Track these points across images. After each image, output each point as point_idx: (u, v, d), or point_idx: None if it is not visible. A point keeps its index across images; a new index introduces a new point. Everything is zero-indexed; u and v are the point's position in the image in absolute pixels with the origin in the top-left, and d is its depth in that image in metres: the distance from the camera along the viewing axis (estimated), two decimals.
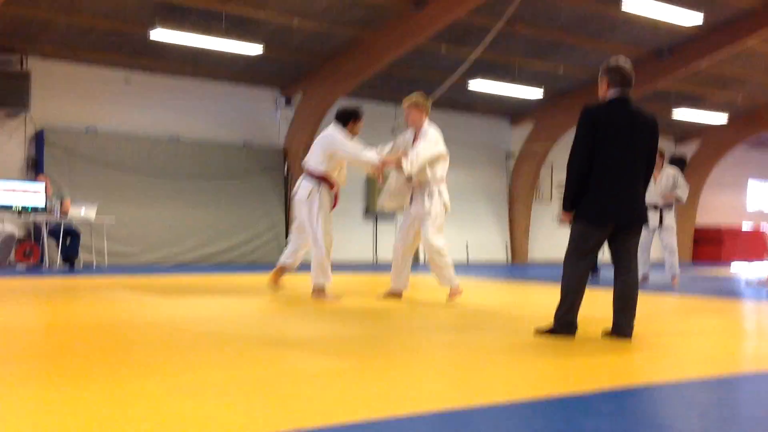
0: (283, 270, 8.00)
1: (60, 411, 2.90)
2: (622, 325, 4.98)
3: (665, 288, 10.10)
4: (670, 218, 10.68)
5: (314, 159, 7.25)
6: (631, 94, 5.05)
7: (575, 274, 5.04)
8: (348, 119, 7.33)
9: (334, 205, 7.40)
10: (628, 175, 4.97)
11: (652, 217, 10.60)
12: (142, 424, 2.70)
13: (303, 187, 7.27)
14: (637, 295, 5.06)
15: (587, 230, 5.01)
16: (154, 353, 4.28)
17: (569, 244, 5.10)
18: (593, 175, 4.93)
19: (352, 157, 7.19)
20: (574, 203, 5.03)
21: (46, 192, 12.35)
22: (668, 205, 10.66)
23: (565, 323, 5.03)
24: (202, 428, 2.65)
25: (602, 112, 4.98)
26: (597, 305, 6.52)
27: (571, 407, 3.08)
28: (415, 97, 7.44)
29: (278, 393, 3.26)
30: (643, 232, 10.71)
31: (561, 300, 5.05)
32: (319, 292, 7.28)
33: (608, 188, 4.93)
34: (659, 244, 10.85)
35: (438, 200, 7.24)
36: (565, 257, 5.12)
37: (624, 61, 5.06)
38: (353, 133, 7.34)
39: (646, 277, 10.63)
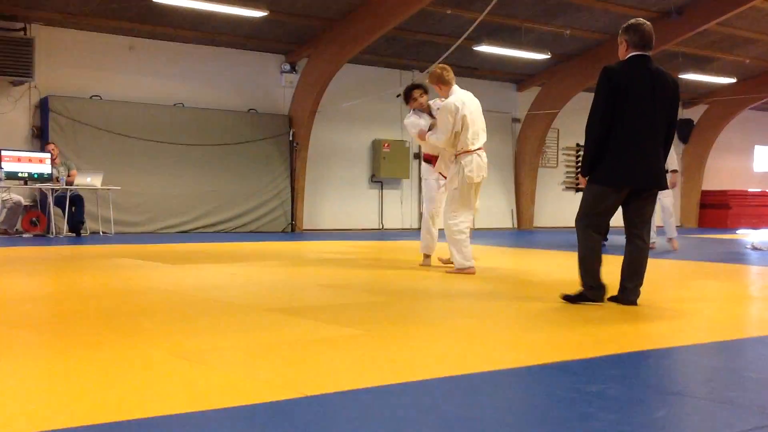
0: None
1: (66, 378, 2.91)
2: (629, 291, 4.92)
3: (667, 253, 10.09)
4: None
5: None
6: (651, 54, 4.91)
7: (587, 238, 4.94)
8: (407, 99, 7.66)
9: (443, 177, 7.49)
10: (647, 136, 4.81)
11: None
12: (148, 390, 2.71)
13: None
14: (646, 261, 4.98)
15: (601, 192, 4.89)
16: (160, 320, 4.29)
17: (580, 206, 5.01)
18: (611, 137, 4.79)
19: (413, 136, 7.76)
20: (592, 167, 4.89)
21: (53, 160, 12.36)
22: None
23: (590, 288, 4.92)
24: (208, 394, 2.67)
25: (622, 71, 4.83)
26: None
27: (578, 372, 3.08)
28: (432, 71, 7.34)
29: (285, 359, 3.27)
30: None
31: (580, 265, 4.96)
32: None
33: (626, 150, 4.78)
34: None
35: (459, 176, 6.98)
36: (576, 221, 5.03)
37: (643, 22, 4.92)
38: (419, 104, 7.58)
39: (653, 245, 10.60)
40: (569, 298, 4.99)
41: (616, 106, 4.75)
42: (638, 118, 4.76)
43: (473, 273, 6.92)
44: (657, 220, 10.83)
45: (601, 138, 4.79)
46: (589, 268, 4.90)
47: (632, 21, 4.96)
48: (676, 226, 11.10)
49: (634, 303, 4.90)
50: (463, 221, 7.01)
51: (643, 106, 4.76)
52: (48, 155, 12.42)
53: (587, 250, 4.92)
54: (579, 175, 5.13)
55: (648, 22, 4.96)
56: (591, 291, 4.91)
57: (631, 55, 4.88)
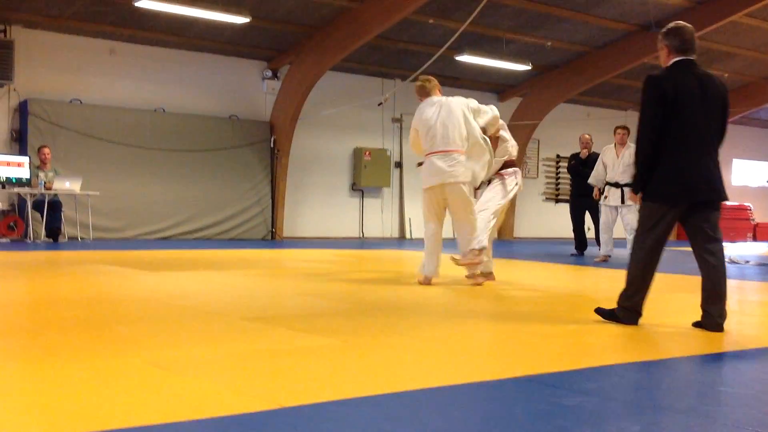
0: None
1: (41, 387, 2.88)
2: (713, 315, 4.52)
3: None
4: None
5: None
6: (695, 58, 4.64)
7: (642, 259, 4.58)
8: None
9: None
10: (700, 145, 4.51)
11: (615, 195, 10.59)
12: (123, 400, 2.69)
13: None
14: (725, 280, 4.57)
15: (659, 210, 4.54)
16: (137, 328, 4.25)
17: (639, 227, 4.67)
18: (662, 149, 4.48)
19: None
20: (644, 183, 4.58)
21: (44, 164, 12.23)
22: (628, 183, 10.62)
23: (626, 310, 4.61)
24: (184, 405, 2.64)
25: (669, 79, 4.52)
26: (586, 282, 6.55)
27: (555, 385, 3.08)
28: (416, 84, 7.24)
29: (261, 369, 3.26)
30: (607, 211, 10.77)
31: (626, 285, 4.63)
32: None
33: (679, 162, 4.48)
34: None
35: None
36: (634, 240, 4.69)
37: (683, 24, 4.66)
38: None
39: (608, 257, 10.64)
40: (602, 313, 4.73)
41: (665, 116, 4.46)
42: (690, 127, 4.48)
43: (422, 283, 6.80)
44: (616, 232, 10.82)
45: (653, 151, 4.49)
46: (635, 290, 4.58)
47: (671, 25, 4.70)
48: None
49: (720, 329, 4.49)
50: (426, 229, 6.95)
51: (694, 114, 4.49)
52: (26, 159, 12.33)
53: (638, 272, 4.59)
54: (631, 193, 4.83)
55: (689, 25, 4.70)
56: (626, 313, 4.61)
57: (675, 60, 4.60)
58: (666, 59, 4.64)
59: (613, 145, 10.82)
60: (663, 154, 4.49)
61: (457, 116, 6.79)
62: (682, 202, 4.52)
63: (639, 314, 4.62)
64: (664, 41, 4.64)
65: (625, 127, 10.84)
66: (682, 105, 4.46)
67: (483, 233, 6.94)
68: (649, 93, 4.53)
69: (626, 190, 10.49)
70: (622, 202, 10.52)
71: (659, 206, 4.54)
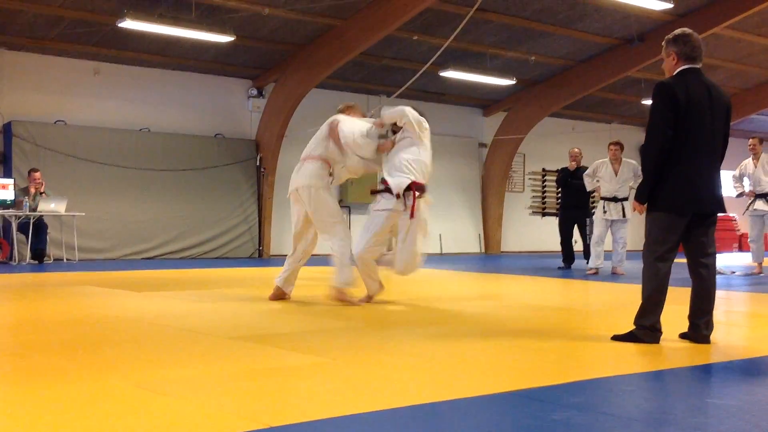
0: None
1: (26, 409, 2.85)
2: (700, 327, 4.49)
3: (622, 277, 10.17)
4: (629, 211, 10.71)
5: None
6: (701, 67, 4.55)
7: (658, 273, 4.42)
8: None
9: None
10: (707, 155, 4.44)
11: (616, 209, 10.65)
12: (109, 422, 2.66)
13: None
14: (714, 292, 4.56)
15: (670, 221, 4.42)
16: (123, 350, 4.23)
17: (648, 239, 4.51)
18: (673, 159, 4.36)
19: None
20: (651, 193, 4.46)
21: (37, 188, 12.15)
22: (626, 198, 10.70)
23: (645, 329, 4.44)
24: (171, 426, 2.62)
25: (679, 86, 4.40)
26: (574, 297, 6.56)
27: (542, 399, 3.08)
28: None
29: (249, 389, 3.24)
30: (603, 224, 10.81)
31: (642, 303, 4.46)
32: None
33: (688, 171, 4.37)
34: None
35: None
36: (645, 255, 4.50)
37: (690, 32, 4.54)
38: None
39: (598, 270, 10.67)
40: (621, 338, 4.51)
41: (676, 125, 4.35)
42: (699, 135, 4.40)
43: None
44: (606, 244, 10.87)
45: (663, 159, 4.36)
46: (653, 308, 4.42)
47: (678, 31, 4.56)
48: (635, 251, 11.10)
49: (707, 340, 4.46)
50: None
51: (704, 124, 4.41)
52: (11, 181, 12.27)
53: (654, 288, 4.43)
54: (636, 203, 4.64)
55: (695, 32, 4.58)
56: (646, 332, 4.44)
57: (683, 68, 4.49)
58: (673, 67, 4.53)
59: (608, 160, 10.84)
60: (672, 163, 4.38)
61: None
62: (689, 213, 4.43)
63: (659, 332, 4.46)
64: (672, 48, 4.53)
65: (618, 143, 10.90)
66: (693, 114, 4.37)
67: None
68: (662, 100, 4.40)
69: (626, 204, 10.60)
70: (623, 215, 10.60)
71: (670, 217, 4.42)
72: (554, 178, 14.04)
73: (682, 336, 4.58)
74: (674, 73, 4.51)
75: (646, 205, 4.54)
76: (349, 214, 16.97)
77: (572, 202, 12.19)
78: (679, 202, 4.40)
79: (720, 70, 17.61)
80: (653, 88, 4.48)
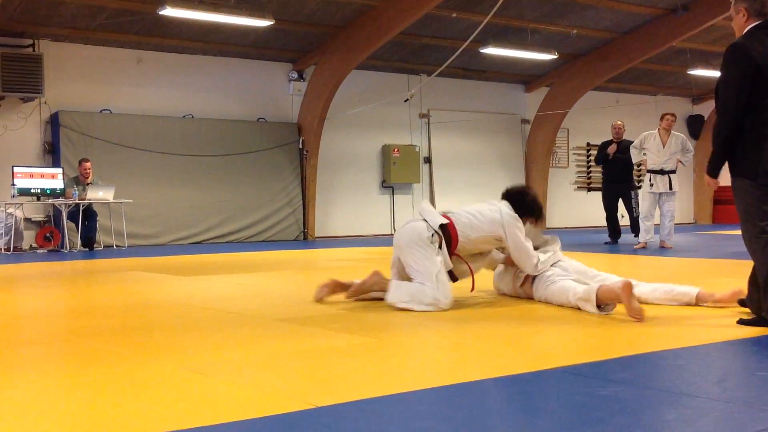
0: None
1: (81, 393, 2.93)
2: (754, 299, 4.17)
3: (666, 251, 10.04)
4: (676, 184, 10.58)
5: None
6: None
7: (766, 250, 4.00)
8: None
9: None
10: None
11: (663, 181, 10.50)
12: (161, 404, 2.72)
13: None
14: None
15: (759, 190, 4.02)
16: (172, 334, 4.31)
17: (743, 216, 4.12)
18: (751, 125, 4.03)
19: None
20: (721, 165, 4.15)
21: (85, 177, 12.40)
22: (674, 170, 10.55)
23: None
24: (221, 408, 2.67)
25: (754, 46, 4.04)
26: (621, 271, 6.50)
27: (588, 375, 3.07)
28: None
29: (296, 370, 3.28)
30: (649, 198, 10.65)
31: (764, 288, 4.02)
32: None
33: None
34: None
35: None
36: (745, 234, 4.13)
37: None
38: None
39: (647, 244, 10.54)
40: (745, 323, 4.15)
41: (751, 90, 4.01)
42: None
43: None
44: (656, 218, 10.73)
45: (737, 127, 4.03)
46: None
47: None
48: (691, 223, 10.93)
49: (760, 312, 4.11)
50: None
51: None
52: (60, 170, 12.52)
53: None
54: (708, 177, 4.31)
55: None
56: None
57: (754, 25, 4.13)
58: (743, 24, 4.18)
59: (657, 131, 10.64)
60: (754, 128, 4.03)
61: None
62: None
63: None
64: (742, 3, 4.17)
65: (673, 114, 10.73)
66: (766, 74, 4.02)
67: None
68: (738, 65, 4.05)
69: (672, 176, 10.46)
70: (670, 188, 10.47)
71: (763, 186, 4.01)
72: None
73: (741, 303, 4.48)
74: (744, 32, 4.17)
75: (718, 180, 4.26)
76: (393, 194, 17.01)
77: (615, 176, 12.06)
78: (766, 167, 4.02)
79: None
80: (724, 52, 4.16)
